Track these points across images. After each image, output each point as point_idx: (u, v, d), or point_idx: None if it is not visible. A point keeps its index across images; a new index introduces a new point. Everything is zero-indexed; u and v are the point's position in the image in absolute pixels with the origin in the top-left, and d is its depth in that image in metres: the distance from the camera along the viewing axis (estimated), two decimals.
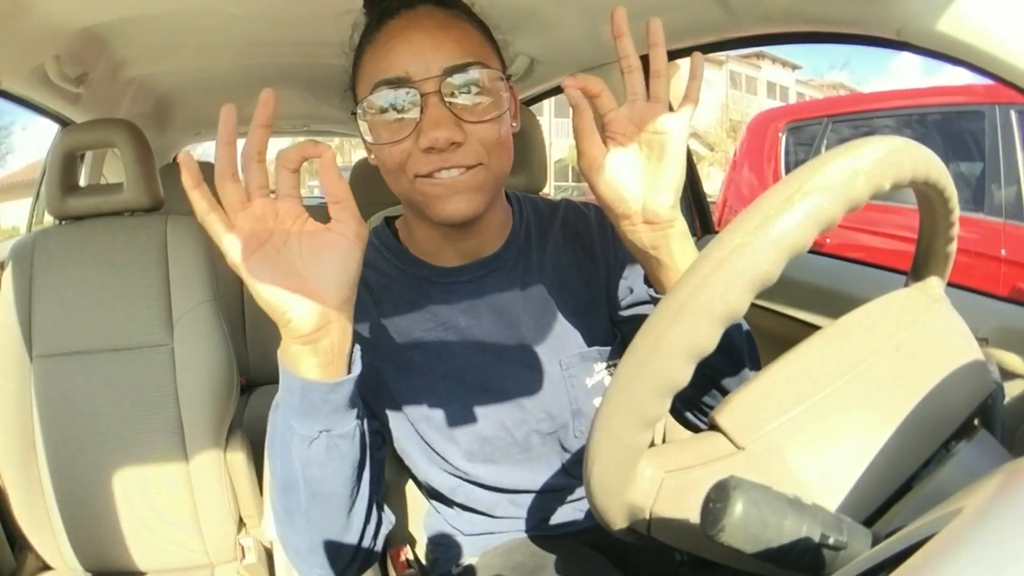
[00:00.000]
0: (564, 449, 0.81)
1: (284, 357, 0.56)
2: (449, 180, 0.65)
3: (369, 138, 0.67)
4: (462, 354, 0.75)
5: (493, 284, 0.76)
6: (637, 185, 0.60)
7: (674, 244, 0.61)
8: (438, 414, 0.76)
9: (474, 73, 0.64)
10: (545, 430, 0.78)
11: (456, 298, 0.76)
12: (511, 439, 0.77)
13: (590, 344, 0.79)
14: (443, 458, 0.78)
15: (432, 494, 0.86)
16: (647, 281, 0.69)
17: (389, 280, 0.77)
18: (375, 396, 0.76)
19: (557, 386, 0.77)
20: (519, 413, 0.76)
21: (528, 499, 0.84)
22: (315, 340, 0.54)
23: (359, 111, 0.66)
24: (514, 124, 0.71)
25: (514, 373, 0.76)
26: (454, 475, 0.80)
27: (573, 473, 0.81)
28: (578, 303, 0.78)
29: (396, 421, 0.78)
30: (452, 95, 0.63)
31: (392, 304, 0.76)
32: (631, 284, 0.79)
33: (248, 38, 1.55)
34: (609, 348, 0.80)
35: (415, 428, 0.78)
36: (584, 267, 0.80)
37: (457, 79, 0.63)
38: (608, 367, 0.79)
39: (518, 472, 0.80)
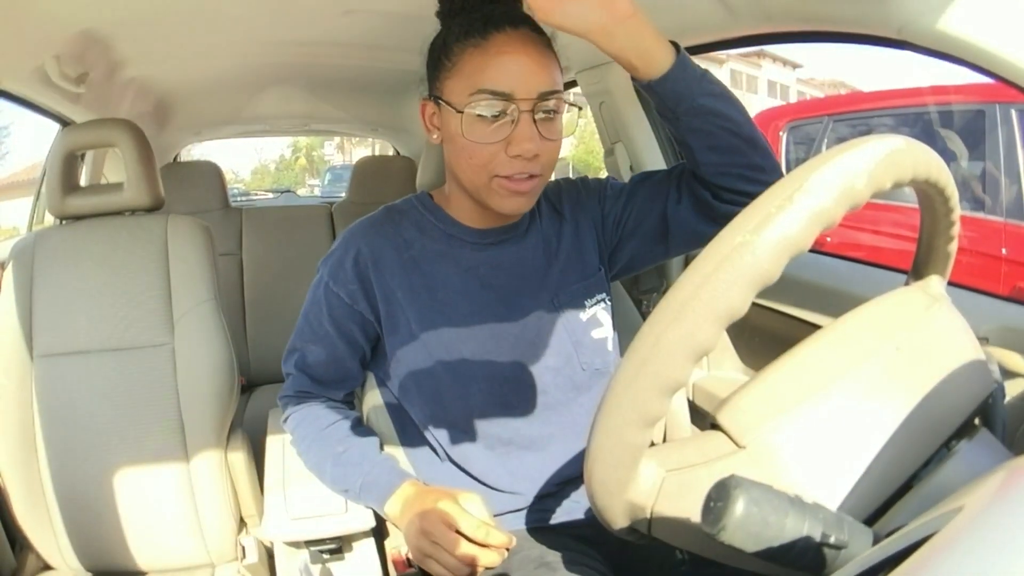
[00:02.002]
0: (575, 388, 0.88)
1: (413, 508, 0.79)
2: (521, 184, 0.78)
3: (459, 131, 0.77)
4: (481, 297, 0.86)
5: (510, 247, 0.89)
6: (586, 5, 0.69)
7: (646, 30, 0.72)
8: (461, 350, 0.85)
9: (557, 100, 0.77)
10: (554, 365, 0.88)
11: (480, 255, 0.88)
12: (527, 376, 0.86)
13: (577, 282, 0.91)
14: (457, 398, 0.86)
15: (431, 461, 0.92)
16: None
17: (422, 231, 0.89)
18: (395, 335, 0.87)
19: (556, 323, 0.88)
20: (530, 349, 0.87)
21: (527, 472, 0.87)
22: None
23: (462, 108, 0.76)
24: None
25: (522, 317, 0.87)
26: (462, 427, 0.87)
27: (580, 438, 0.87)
28: (566, 254, 0.91)
29: (414, 360, 0.86)
30: (540, 115, 0.76)
31: (423, 249, 0.88)
32: (614, 203, 0.92)
33: (249, 38, 1.55)
34: (592, 282, 0.91)
35: (434, 367, 0.85)
36: (566, 226, 0.93)
37: (546, 104, 0.76)
38: (597, 303, 0.91)
39: (532, 423, 0.87)
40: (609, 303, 0.93)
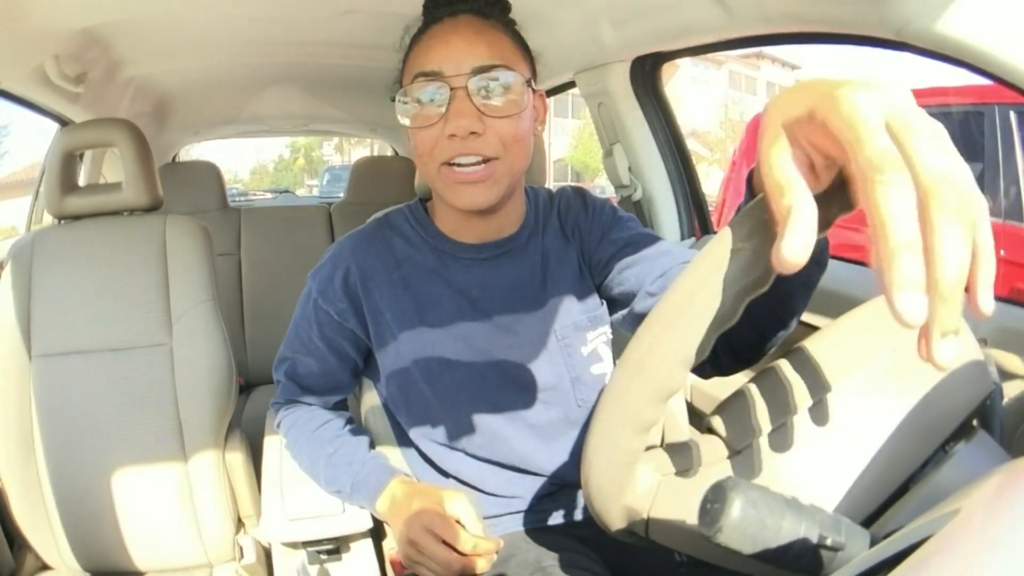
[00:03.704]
0: (568, 423, 0.85)
1: (402, 506, 0.79)
2: (469, 172, 0.73)
3: (406, 122, 0.75)
4: (472, 321, 0.83)
5: (505, 264, 0.84)
6: None
7: None
8: (449, 373, 0.82)
9: (498, 74, 0.72)
10: (548, 400, 0.84)
11: (472, 273, 0.84)
12: (518, 407, 0.83)
13: (581, 313, 0.85)
14: (447, 421, 0.84)
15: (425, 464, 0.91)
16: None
17: (413, 247, 0.85)
18: (383, 353, 0.85)
19: (555, 356, 0.84)
20: (522, 380, 0.83)
21: (522, 479, 0.86)
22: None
23: (399, 98, 0.75)
24: (539, 127, 0.81)
25: (517, 344, 0.83)
26: (452, 445, 0.85)
27: (575, 462, 0.84)
28: (570, 279, 0.86)
29: (403, 380, 0.84)
30: (477, 92, 0.71)
31: (413, 267, 0.84)
32: (625, 270, 0.82)
33: (248, 38, 1.55)
34: (597, 315, 0.86)
35: (422, 389, 0.83)
36: (572, 245, 0.87)
37: (483, 78, 0.71)
38: (599, 336, 0.86)
39: (524, 448, 0.84)
40: (611, 337, 0.88)
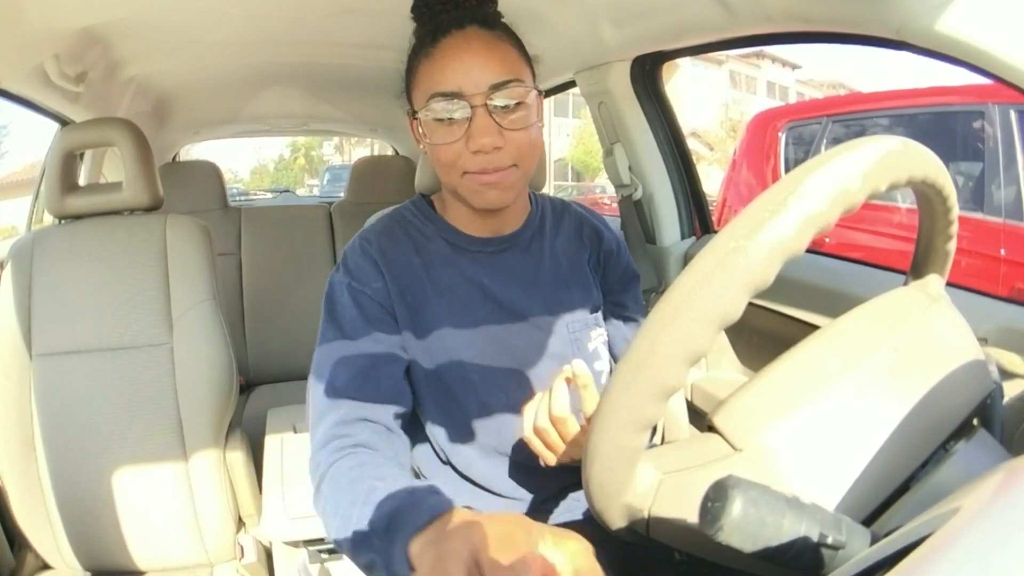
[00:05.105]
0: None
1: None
2: (489, 176, 0.77)
3: (426, 138, 0.79)
4: (484, 308, 0.85)
5: (510, 257, 0.88)
6: None
7: None
8: (461, 359, 0.84)
9: (513, 89, 0.75)
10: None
11: (481, 263, 0.87)
12: (524, 394, 0.82)
13: (589, 312, 0.90)
14: (458, 407, 0.84)
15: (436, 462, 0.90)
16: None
17: (427, 238, 0.88)
18: (402, 340, 0.85)
19: (565, 346, 0.87)
20: (532, 368, 0.85)
21: (527, 478, 0.86)
22: None
23: (419, 115, 0.78)
24: (539, 123, 0.84)
25: (527, 331, 0.86)
26: (462, 434, 0.85)
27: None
28: (580, 281, 0.91)
29: (415, 366, 0.85)
30: (496, 108, 0.75)
31: (429, 255, 0.87)
32: (619, 296, 0.95)
33: (248, 38, 1.55)
34: (599, 316, 0.92)
35: (433, 374, 0.84)
36: (586, 251, 0.93)
37: (500, 94, 0.75)
38: (600, 335, 0.91)
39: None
40: (607, 339, 0.92)
